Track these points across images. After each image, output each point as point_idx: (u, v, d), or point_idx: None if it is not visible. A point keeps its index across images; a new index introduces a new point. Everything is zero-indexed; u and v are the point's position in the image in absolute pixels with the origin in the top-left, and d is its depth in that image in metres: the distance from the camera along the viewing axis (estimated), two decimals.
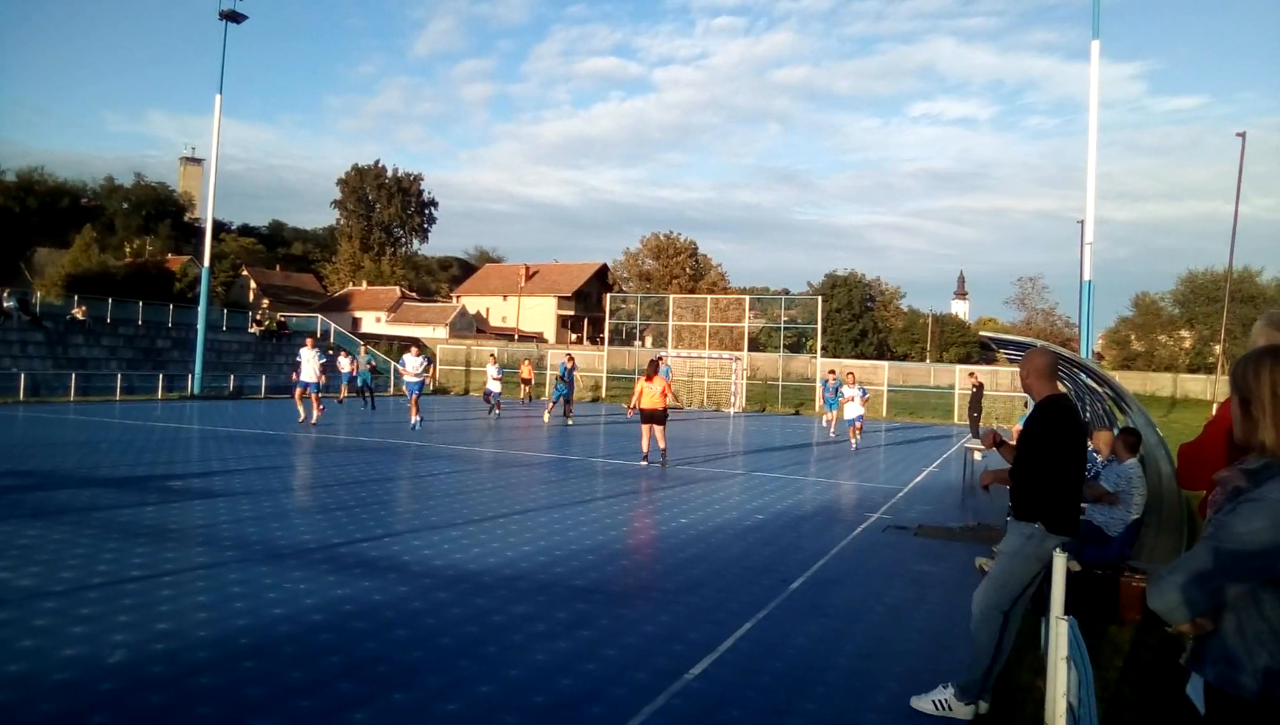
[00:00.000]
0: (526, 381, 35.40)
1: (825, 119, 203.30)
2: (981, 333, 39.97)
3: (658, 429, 16.15)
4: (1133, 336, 76.01)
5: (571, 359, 28.21)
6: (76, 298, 38.37)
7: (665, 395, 16.42)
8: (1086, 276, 21.72)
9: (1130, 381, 56.16)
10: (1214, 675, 2.41)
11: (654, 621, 6.71)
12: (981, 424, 26.49)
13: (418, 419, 21.35)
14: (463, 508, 11.19)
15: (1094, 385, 11.72)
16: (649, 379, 16.30)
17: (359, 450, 17.16)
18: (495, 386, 26.97)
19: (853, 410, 22.53)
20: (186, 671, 5.25)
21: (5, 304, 32.55)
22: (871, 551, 9.70)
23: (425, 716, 4.79)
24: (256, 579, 7.37)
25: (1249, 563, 2.31)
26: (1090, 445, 9.12)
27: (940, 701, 5.02)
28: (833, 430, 25.60)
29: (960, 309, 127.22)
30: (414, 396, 22.25)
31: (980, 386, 28.45)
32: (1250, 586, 2.35)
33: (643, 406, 16.28)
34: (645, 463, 16.24)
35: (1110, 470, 7.80)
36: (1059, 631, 3.46)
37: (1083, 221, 22.39)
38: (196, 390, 31.76)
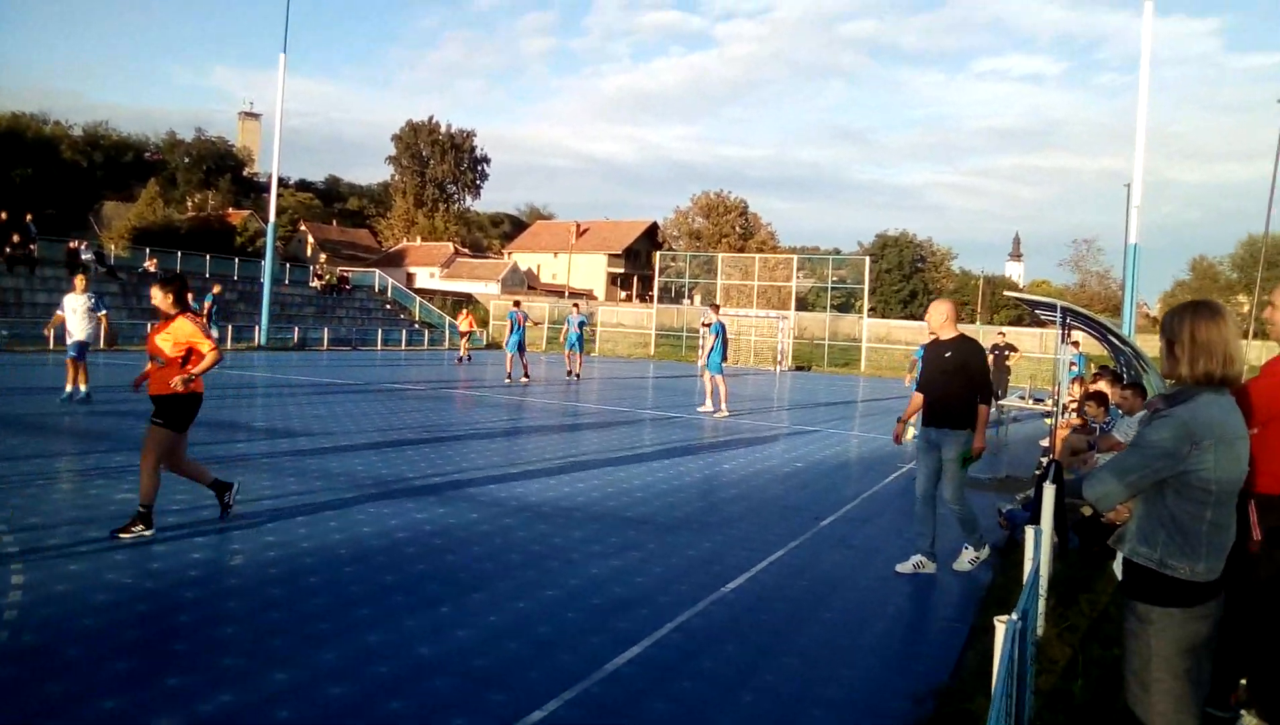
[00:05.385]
0: (465, 334, 32.63)
1: (891, 74, 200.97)
2: (1006, 292, 40.25)
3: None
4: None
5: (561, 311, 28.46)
6: (148, 250, 40.02)
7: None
8: (1132, 240, 21.93)
9: None
10: (1128, 550, 3.16)
11: (697, 547, 7.53)
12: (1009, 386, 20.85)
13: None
14: (521, 452, 12.12)
15: (1120, 345, 12.25)
16: None
17: (414, 398, 18.18)
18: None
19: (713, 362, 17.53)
20: (299, 572, 6.19)
21: (83, 256, 34.19)
22: (901, 496, 10.40)
23: (500, 611, 5.67)
24: (346, 504, 8.33)
25: (1156, 462, 3.05)
26: (1110, 399, 9.74)
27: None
28: (709, 399, 18.14)
29: (1014, 271, 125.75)
30: None
31: (1001, 348, 20.68)
32: (1157, 482, 3.09)
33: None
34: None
35: (1122, 422, 8.42)
36: (1032, 540, 4.21)
37: (1129, 185, 22.52)
38: (263, 341, 33.13)
